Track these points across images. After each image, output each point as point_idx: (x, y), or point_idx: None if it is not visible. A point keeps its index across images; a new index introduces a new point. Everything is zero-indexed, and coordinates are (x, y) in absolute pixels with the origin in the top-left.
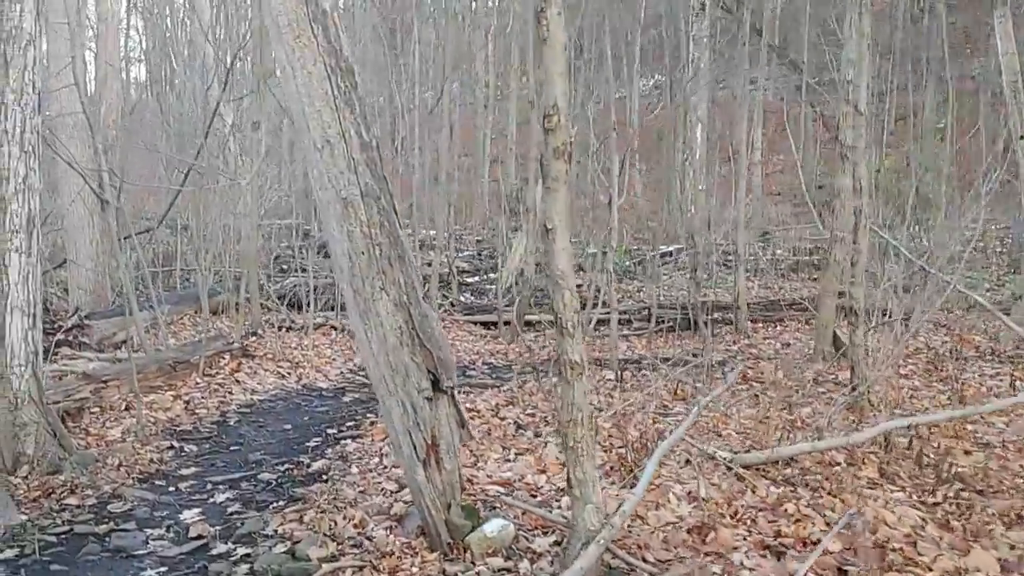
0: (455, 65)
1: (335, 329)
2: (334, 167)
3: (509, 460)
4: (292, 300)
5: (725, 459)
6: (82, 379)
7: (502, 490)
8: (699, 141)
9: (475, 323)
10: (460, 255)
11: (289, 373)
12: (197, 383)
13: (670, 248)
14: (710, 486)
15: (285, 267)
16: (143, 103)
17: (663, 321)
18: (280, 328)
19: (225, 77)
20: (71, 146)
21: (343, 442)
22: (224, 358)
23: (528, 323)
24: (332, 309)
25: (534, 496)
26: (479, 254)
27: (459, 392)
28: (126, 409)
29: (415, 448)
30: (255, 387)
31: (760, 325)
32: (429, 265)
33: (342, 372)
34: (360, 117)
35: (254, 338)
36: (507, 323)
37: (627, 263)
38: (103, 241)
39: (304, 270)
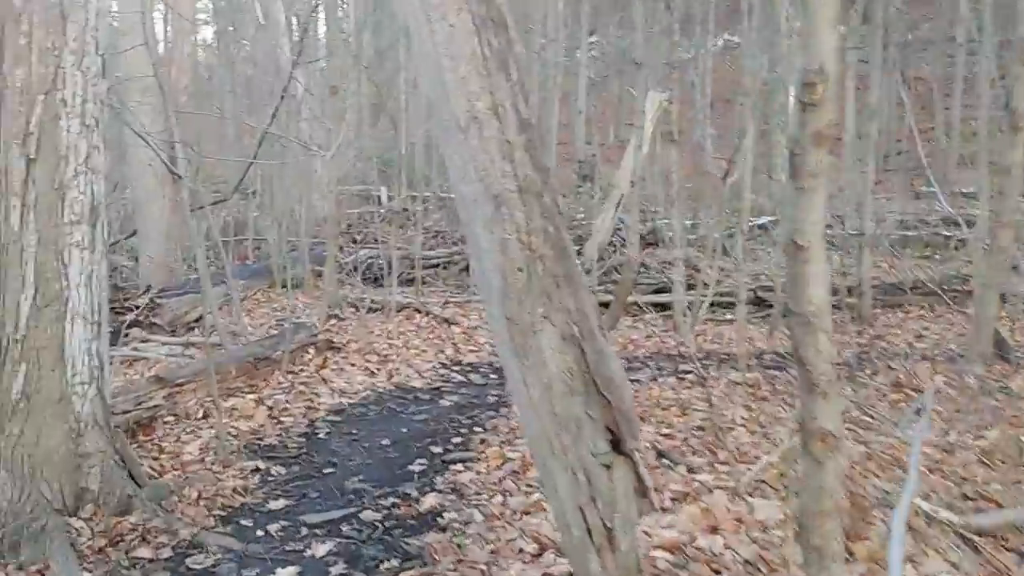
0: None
1: (419, 312)
2: (483, 153)
3: (666, 508)
4: (366, 274)
5: (953, 523)
6: (154, 382)
7: (671, 559)
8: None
9: None
10: None
11: (378, 369)
12: (280, 383)
13: (761, 220)
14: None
15: (358, 237)
16: (210, 67)
17: (770, 305)
18: (358, 309)
19: (300, 38)
20: (140, 114)
21: (453, 467)
22: (308, 352)
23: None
24: (410, 283)
25: (717, 574)
26: None
27: None
28: (204, 417)
29: (589, 531)
30: (343, 387)
31: (877, 311)
32: None
33: (434, 367)
34: (518, 86)
35: (334, 321)
36: (604, 305)
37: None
38: (174, 212)
39: (380, 241)
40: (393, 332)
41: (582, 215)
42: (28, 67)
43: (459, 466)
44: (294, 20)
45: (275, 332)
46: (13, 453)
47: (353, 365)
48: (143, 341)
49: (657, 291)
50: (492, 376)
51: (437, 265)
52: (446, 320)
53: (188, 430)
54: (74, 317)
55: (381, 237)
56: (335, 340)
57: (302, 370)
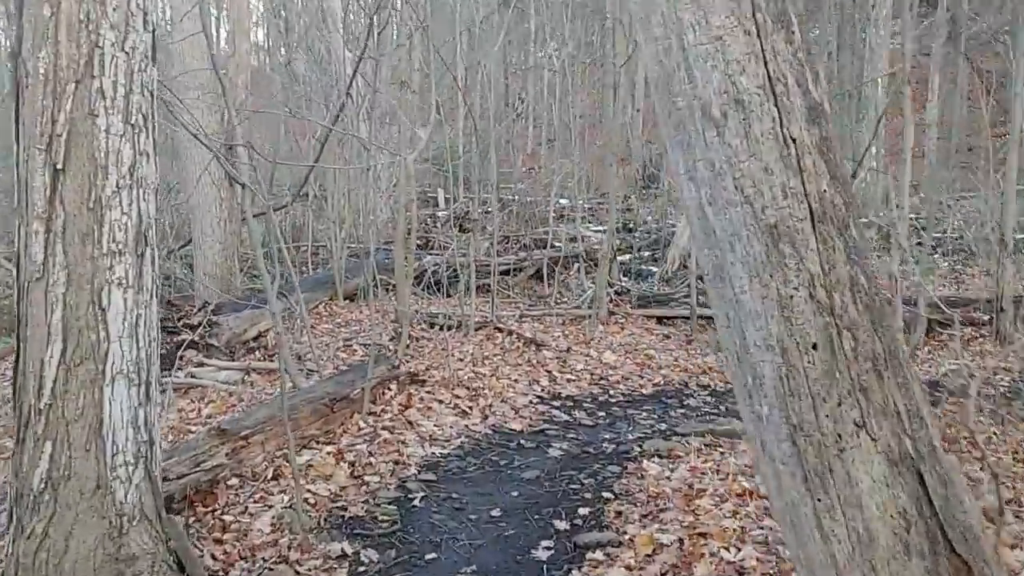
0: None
1: (499, 331)
2: (750, 158)
3: None
4: (429, 282)
5: None
6: (215, 436)
7: None
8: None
9: (649, 317)
10: (599, 230)
11: (470, 408)
12: (360, 428)
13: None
14: None
15: (419, 242)
16: (263, 67)
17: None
18: (432, 325)
19: (367, 32)
20: (196, 112)
21: (590, 556)
22: (390, 388)
23: (704, 318)
24: (478, 292)
25: None
26: (618, 228)
27: (690, 443)
28: (274, 479)
29: None
30: (433, 431)
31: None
32: (573, 241)
33: (531, 402)
34: (800, 52)
35: (408, 343)
36: (690, 318)
37: None
38: (231, 220)
39: (444, 247)
40: (476, 357)
41: (652, 218)
42: (54, 47)
43: (598, 553)
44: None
45: (347, 367)
46: (35, 560)
47: (441, 402)
48: (199, 365)
49: None
50: (600, 415)
51: (506, 272)
52: (533, 341)
53: (256, 496)
54: (115, 378)
55: (445, 242)
56: (417, 370)
57: (384, 411)
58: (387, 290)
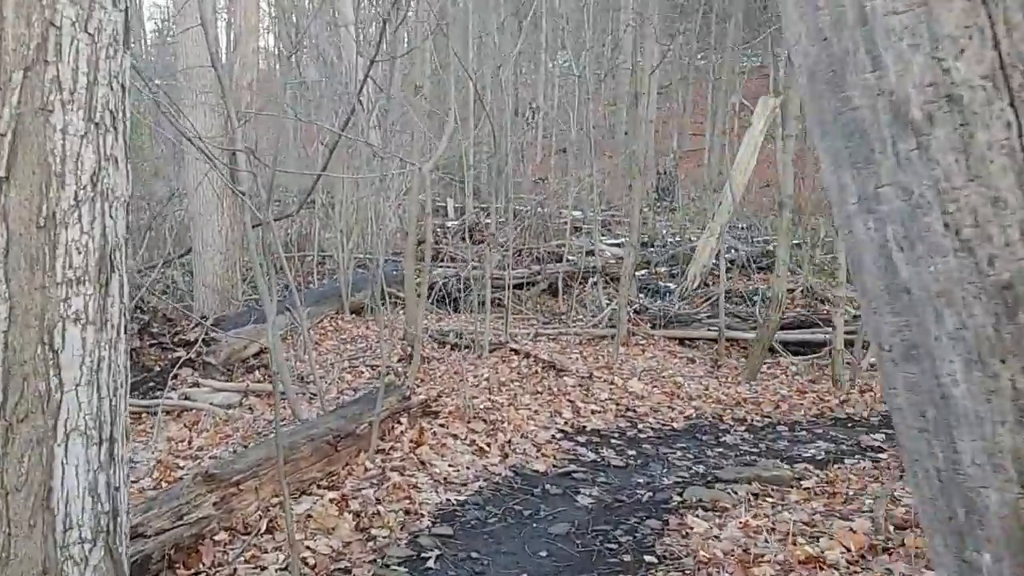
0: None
1: (515, 353)
2: (967, 181)
3: None
4: (439, 296)
5: None
6: (202, 483)
7: None
8: None
9: (671, 339)
10: (614, 244)
11: (488, 444)
12: (367, 470)
13: None
14: None
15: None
16: (273, 71)
17: None
18: (443, 344)
19: (380, 34)
20: (196, 116)
21: None
22: (400, 422)
23: (731, 340)
24: (497, 306)
25: None
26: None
27: (736, 493)
28: (269, 532)
29: None
30: (448, 472)
31: None
32: (590, 255)
33: (554, 437)
34: None
35: (420, 366)
36: (716, 341)
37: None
38: (233, 229)
39: (454, 259)
40: (492, 382)
41: (669, 232)
42: None
43: None
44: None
45: (353, 396)
46: None
47: (456, 437)
48: (193, 385)
49: (784, 327)
50: (630, 453)
51: (519, 287)
52: (552, 366)
53: (247, 555)
54: (69, 435)
55: (456, 254)
56: (429, 396)
57: (393, 448)
58: (396, 304)
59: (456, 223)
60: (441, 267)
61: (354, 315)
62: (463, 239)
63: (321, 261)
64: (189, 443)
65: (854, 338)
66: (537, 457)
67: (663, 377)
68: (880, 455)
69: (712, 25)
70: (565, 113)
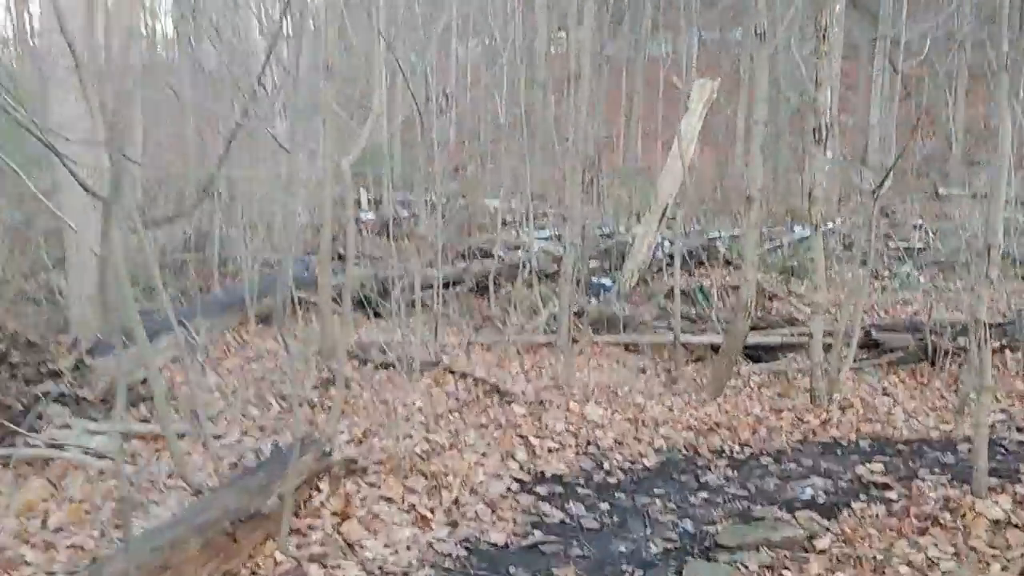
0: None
1: (451, 373)
2: None
3: None
4: (355, 298)
5: None
6: None
7: None
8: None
9: (616, 344)
10: (542, 238)
11: (431, 510)
12: (277, 563)
13: (806, 231)
14: None
15: (342, 251)
16: (168, 59)
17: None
18: (365, 362)
19: (281, 12)
20: (63, 102)
21: None
22: (319, 488)
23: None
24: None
25: None
26: (559, 236)
27: (745, 566)
28: None
29: None
30: (384, 558)
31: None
32: (517, 249)
33: (509, 490)
34: None
35: (332, 389)
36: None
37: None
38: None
39: (372, 257)
40: (427, 415)
41: (601, 227)
42: None
43: None
44: None
45: (258, 463)
46: None
47: (390, 502)
48: (63, 426)
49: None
50: (602, 507)
51: (445, 286)
52: (496, 389)
53: None
54: None
55: (373, 253)
56: (354, 442)
57: (311, 527)
58: (308, 309)
59: (371, 217)
60: (356, 266)
61: (261, 324)
62: (378, 235)
63: (223, 262)
64: (44, 520)
65: (826, 343)
66: (493, 523)
67: (619, 397)
68: (888, 494)
69: (625, 11)
70: (479, 101)
